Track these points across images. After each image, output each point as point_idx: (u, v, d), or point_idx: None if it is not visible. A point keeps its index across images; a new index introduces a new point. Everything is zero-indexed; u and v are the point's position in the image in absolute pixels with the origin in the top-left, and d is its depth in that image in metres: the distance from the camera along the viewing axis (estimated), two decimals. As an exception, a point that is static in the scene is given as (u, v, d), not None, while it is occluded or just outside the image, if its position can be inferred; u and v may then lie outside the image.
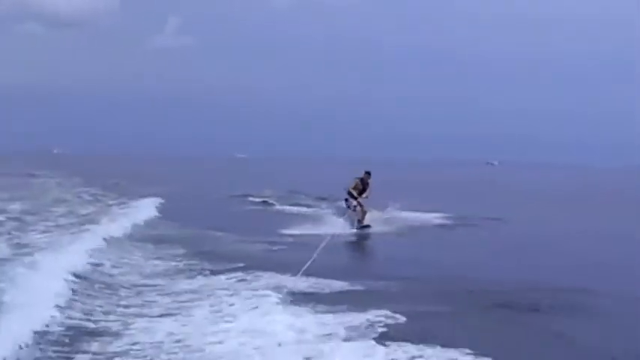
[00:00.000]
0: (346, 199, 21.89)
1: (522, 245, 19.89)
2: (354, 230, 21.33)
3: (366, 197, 21.72)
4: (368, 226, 21.44)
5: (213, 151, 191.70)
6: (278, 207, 31.23)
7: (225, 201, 34.52)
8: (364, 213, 21.51)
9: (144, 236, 18.91)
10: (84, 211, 24.82)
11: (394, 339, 8.84)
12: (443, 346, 8.50)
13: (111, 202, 29.28)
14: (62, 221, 21.39)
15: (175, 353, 8.25)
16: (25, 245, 16.17)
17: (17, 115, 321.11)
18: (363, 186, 21.66)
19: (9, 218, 21.58)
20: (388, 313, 10.18)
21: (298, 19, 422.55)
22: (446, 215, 25.83)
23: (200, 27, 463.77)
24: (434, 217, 25.21)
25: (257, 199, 34.25)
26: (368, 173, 21.91)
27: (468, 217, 26.00)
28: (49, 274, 11.26)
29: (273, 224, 22.80)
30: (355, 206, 21.49)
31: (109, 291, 11.72)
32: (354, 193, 21.59)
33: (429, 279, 14.11)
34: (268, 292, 11.26)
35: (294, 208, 29.79)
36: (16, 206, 24.92)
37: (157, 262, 15.02)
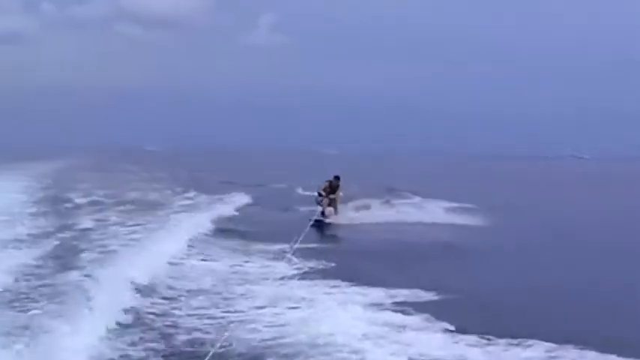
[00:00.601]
0: (316, 199, 25.73)
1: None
2: (314, 219, 23.27)
3: (335, 197, 25.46)
4: (323, 221, 24.18)
5: (305, 147, 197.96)
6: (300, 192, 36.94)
7: (282, 189, 40.83)
8: (335, 208, 25.34)
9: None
10: (151, 198, 30.80)
11: (319, 277, 14.05)
12: (344, 279, 13.45)
13: (179, 191, 34.98)
14: (131, 206, 26.74)
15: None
16: (104, 219, 22.04)
17: (114, 113, 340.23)
18: (331, 188, 25.53)
19: (92, 202, 27.91)
20: (325, 262, 15.59)
21: (388, 17, 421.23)
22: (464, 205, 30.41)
23: (294, 25, 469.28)
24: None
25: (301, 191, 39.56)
26: (337, 178, 25.84)
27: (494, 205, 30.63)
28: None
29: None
30: (321, 202, 25.23)
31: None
32: (323, 193, 25.44)
33: (374, 244, 20.06)
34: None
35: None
36: (101, 192, 31.36)
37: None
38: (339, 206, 25.77)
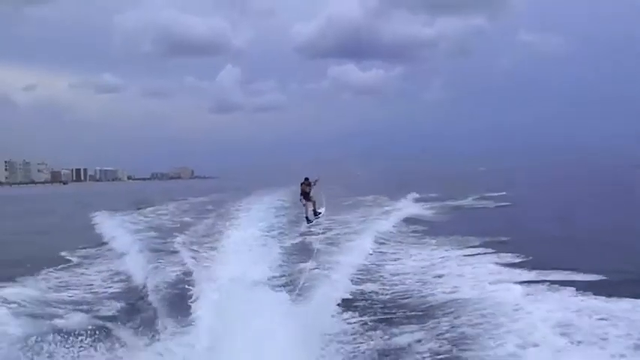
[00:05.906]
0: (300, 199, 26.64)
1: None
2: (312, 220, 26.39)
3: (313, 187, 26.17)
4: (320, 214, 26.64)
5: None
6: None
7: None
8: (314, 203, 26.45)
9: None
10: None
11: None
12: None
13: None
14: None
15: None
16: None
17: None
18: (308, 186, 26.17)
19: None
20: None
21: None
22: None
23: None
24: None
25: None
26: (306, 179, 26.15)
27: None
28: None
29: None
30: (305, 203, 26.27)
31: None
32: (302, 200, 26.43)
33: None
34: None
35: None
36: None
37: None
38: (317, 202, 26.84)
